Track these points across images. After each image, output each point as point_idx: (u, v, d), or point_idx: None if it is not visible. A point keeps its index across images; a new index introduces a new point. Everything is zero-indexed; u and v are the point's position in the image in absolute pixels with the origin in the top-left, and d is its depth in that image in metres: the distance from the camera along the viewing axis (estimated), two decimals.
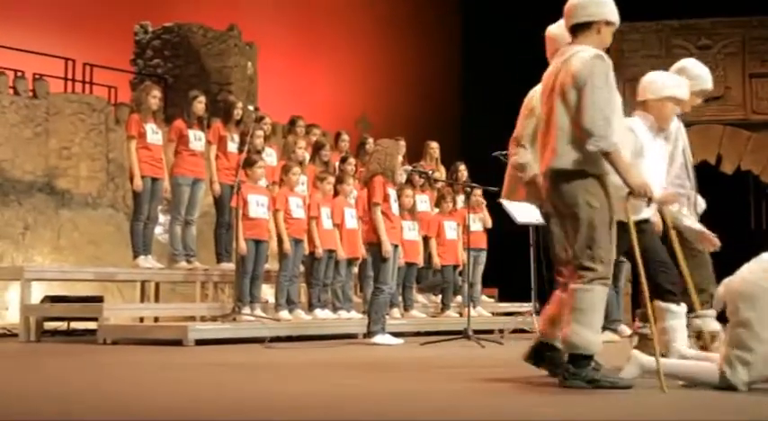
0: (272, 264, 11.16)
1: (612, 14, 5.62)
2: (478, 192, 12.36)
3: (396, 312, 11.63)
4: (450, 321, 11.88)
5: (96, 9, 17.95)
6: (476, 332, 9.94)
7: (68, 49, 16.13)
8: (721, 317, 5.66)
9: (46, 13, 17.30)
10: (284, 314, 10.51)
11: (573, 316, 5.40)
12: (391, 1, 21.66)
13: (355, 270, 11.72)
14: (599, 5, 5.60)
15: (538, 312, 11.61)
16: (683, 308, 6.44)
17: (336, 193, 11.18)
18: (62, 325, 11.00)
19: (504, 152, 11.46)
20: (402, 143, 11.84)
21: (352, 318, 11.09)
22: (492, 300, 14.30)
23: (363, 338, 10.06)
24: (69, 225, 13.91)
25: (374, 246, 9.94)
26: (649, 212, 6.24)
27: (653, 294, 6.07)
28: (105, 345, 9.30)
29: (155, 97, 10.80)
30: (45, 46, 15.56)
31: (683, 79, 6.54)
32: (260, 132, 11.13)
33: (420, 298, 12.77)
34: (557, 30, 6.15)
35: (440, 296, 12.81)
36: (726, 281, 5.40)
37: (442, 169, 13.16)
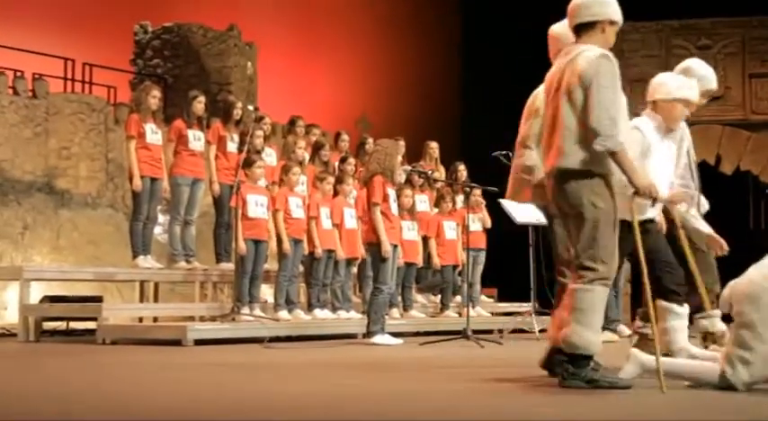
0: (271, 264, 11.15)
1: (616, 14, 5.63)
2: (478, 192, 12.36)
3: (395, 312, 11.63)
4: (449, 321, 11.88)
5: (96, 9, 17.94)
6: (475, 332, 9.93)
7: (68, 48, 16.12)
8: (726, 319, 5.66)
9: (45, 13, 17.29)
10: (283, 314, 10.50)
11: (573, 316, 5.40)
12: (391, 1, 21.66)
13: (354, 270, 11.72)
14: (602, 5, 5.60)
15: (537, 312, 11.65)
16: (685, 309, 6.45)
17: (336, 193, 11.18)
18: (61, 325, 10.99)
19: (504, 152, 11.55)
20: (401, 143, 11.83)
21: (351, 318, 11.09)
22: (491, 300, 14.30)
23: (363, 338, 10.06)
24: (69, 225, 13.91)
25: (373, 246, 9.93)
26: (654, 212, 6.25)
27: (656, 294, 6.07)
28: (104, 345, 9.30)
29: (154, 97, 10.80)
30: (44, 46, 15.56)
31: (694, 81, 6.54)
32: (259, 132, 11.12)
33: (419, 298, 12.77)
34: (560, 29, 6.12)
35: (439, 296, 12.80)
36: (731, 283, 5.42)
37: (442, 169, 13.16)
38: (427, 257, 12.50)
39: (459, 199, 12.82)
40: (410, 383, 5.95)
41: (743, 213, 18.12)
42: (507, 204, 11.62)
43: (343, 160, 11.75)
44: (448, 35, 21.32)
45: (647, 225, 6.16)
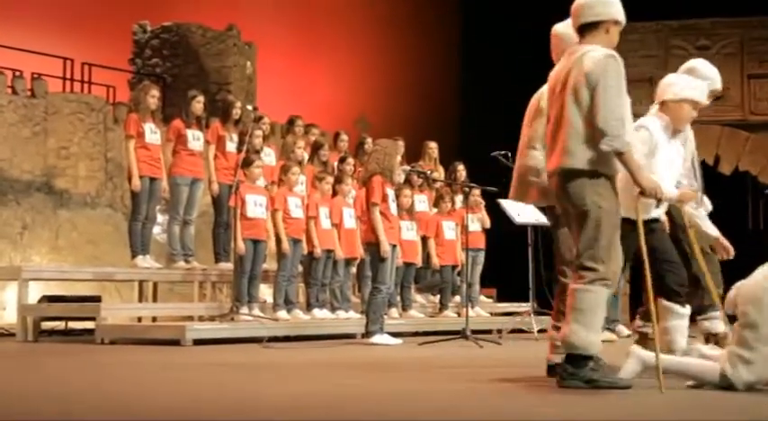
0: (270, 264, 11.15)
1: (620, 14, 5.63)
2: (477, 192, 12.37)
3: (394, 312, 11.63)
4: (448, 321, 11.88)
5: (95, 9, 17.94)
6: (474, 332, 9.93)
7: (67, 48, 16.11)
8: (732, 320, 5.66)
9: (44, 13, 17.30)
10: (282, 314, 10.50)
11: (573, 316, 5.40)
12: (391, 1, 21.66)
13: (353, 270, 11.71)
14: (606, 5, 5.60)
15: (536, 312, 11.65)
16: (687, 309, 6.46)
17: (335, 193, 11.18)
18: (60, 325, 10.98)
19: (504, 152, 11.56)
20: (401, 143, 11.83)
21: (350, 318, 11.09)
22: (490, 300, 14.30)
23: (362, 338, 10.06)
24: (67, 225, 13.91)
25: (372, 245, 9.94)
26: (660, 212, 6.26)
27: (659, 293, 6.07)
28: (103, 345, 9.30)
29: (153, 97, 10.80)
30: (43, 45, 15.55)
31: (703, 83, 6.54)
32: (258, 132, 11.12)
33: (418, 298, 12.77)
34: (563, 29, 6.10)
35: (438, 296, 12.80)
36: (738, 284, 5.44)
37: (441, 169, 13.16)
38: (426, 257, 12.50)
39: (459, 199, 12.83)
40: (410, 383, 5.95)
41: (742, 214, 18.13)
42: (506, 204, 11.64)
43: (342, 160, 11.75)
44: (447, 35, 21.32)
45: (652, 224, 6.18)
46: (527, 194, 6.32)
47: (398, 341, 9.80)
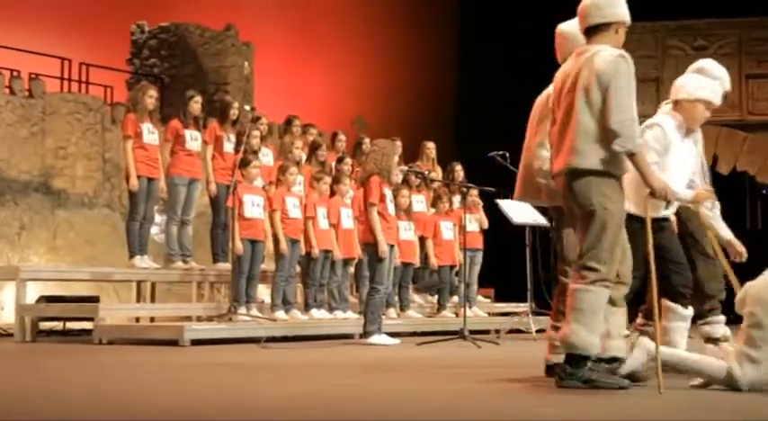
0: (268, 265, 11.15)
1: (627, 15, 5.64)
2: (474, 192, 12.37)
3: (392, 312, 11.63)
4: (446, 321, 11.89)
5: (93, 9, 17.94)
6: (472, 332, 9.93)
7: (65, 48, 16.10)
8: (737, 321, 5.67)
9: (42, 13, 17.29)
10: (280, 314, 10.49)
11: (573, 316, 5.40)
12: (388, 1, 21.67)
13: (351, 270, 11.71)
14: (615, 6, 5.60)
15: (534, 312, 11.67)
16: (689, 311, 6.47)
17: (333, 193, 11.18)
18: (58, 325, 10.97)
19: (501, 152, 11.57)
20: (398, 143, 11.83)
21: (348, 319, 11.09)
22: (488, 300, 14.31)
23: (359, 338, 10.06)
24: (65, 225, 13.90)
25: (370, 246, 9.94)
26: (669, 211, 6.26)
27: (662, 293, 6.08)
28: (101, 345, 9.29)
29: (151, 97, 10.79)
30: (41, 45, 15.54)
31: (717, 84, 6.54)
32: (256, 132, 11.12)
33: (416, 298, 12.76)
34: (569, 28, 6.05)
35: (436, 296, 12.80)
36: (747, 284, 5.46)
37: (439, 169, 13.16)
38: (424, 257, 12.50)
39: (456, 199, 12.83)
40: (408, 383, 5.95)
41: (739, 214, 18.14)
42: (504, 204, 11.64)
43: (339, 160, 11.75)
44: (444, 35, 21.33)
45: (661, 223, 6.18)
46: (533, 194, 6.28)
47: (396, 341, 9.80)
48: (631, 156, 5.38)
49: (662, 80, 16.65)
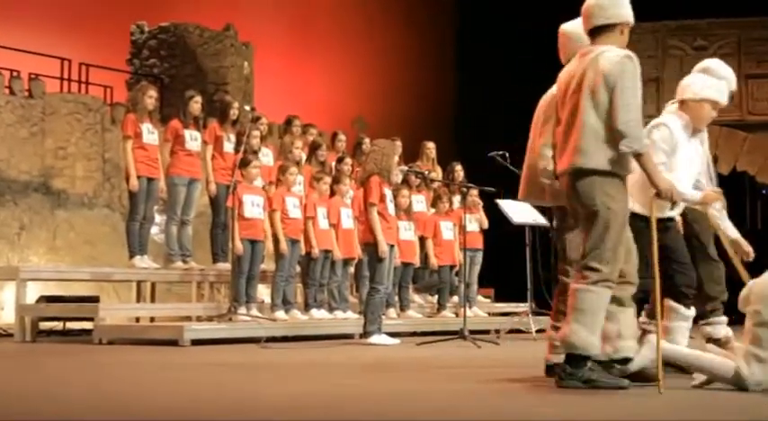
0: (267, 265, 11.15)
1: (631, 15, 5.64)
2: (474, 192, 12.37)
3: (392, 312, 11.63)
4: (446, 321, 11.88)
5: (93, 9, 17.92)
6: (472, 332, 9.93)
7: (64, 48, 16.09)
8: (739, 320, 5.67)
9: (42, 13, 17.27)
10: (280, 314, 10.49)
11: (573, 315, 5.40)
12: (387, 2, 21.66)
13: (351, 270, 11.71)
14: (619, 7, 5.60)
15: (534, 312, 11.67)
16: (691, 312, 6.48)
17: (333, 193, 11.18)
18: (57, 325, 10.97)
19: (501, 152, 11.56)
20: (398, 143, 11.83)
21: (348, 319, 11.09)
22: (488, 300, 14.31)
23: (359, 338, 10.06)
24: (65, 225, 13.89)
25: (370, 246, 9.94)
26: (675, 212, 6.26)
27: (665, 293, 6.08)
28: (101, 345, 9.29)
29: (151, 97, 10.79)
30: (41, 46, 15.53)
31: (723, 83, 6.53)
32: (256, 132, 11.13)
33: (416, 298, 12.76)
34: (572, 28, 6.02)
35: (436, 296, 12.80)
36: (751, 282, 5.46)
37: (439, 169, 13.16)
38: (424, 257, 12.50)
39: (456, 199, 12.83)
40: (409, 383, 5.95)
41: (740, 214, 18.13)
42: (504, 204, 11.65)
43: (339, 160, 11.75)
44: (444, 35, 21.33)
45: (666, 223, 6.18)
46: (537, 195, 6.26)
47: (396, 341, 9.80)
48: (638, 156, 5.38)
49: (662, 80, 16.67)
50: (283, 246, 10.55)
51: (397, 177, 10.74)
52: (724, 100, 6.45)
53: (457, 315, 12.07)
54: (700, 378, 5.51)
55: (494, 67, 18.60)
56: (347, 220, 11.23)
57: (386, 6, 21.45)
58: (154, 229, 11.59)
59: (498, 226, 12.59)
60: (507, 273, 13.28)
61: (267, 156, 11.56)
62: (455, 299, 12.74)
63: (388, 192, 10.01)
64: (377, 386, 5.82)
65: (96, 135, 14.46)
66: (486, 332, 11.79)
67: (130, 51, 17.60)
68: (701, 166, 6.61)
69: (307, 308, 10.90)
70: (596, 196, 5.40)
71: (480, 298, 13.65)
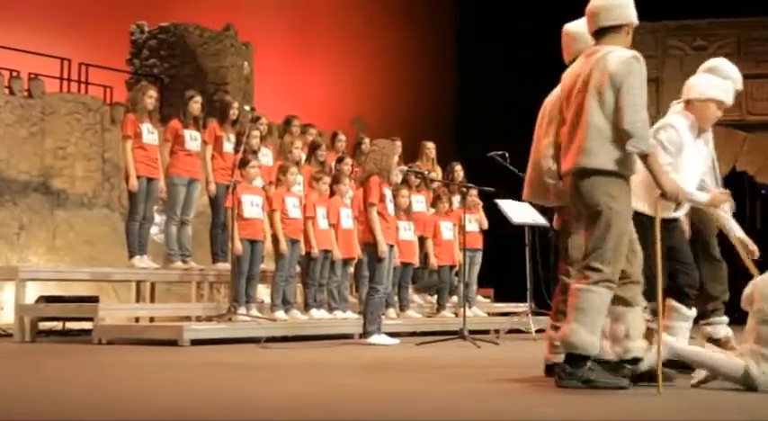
0: (267, 265, 11.15)
1: (636, 16, 5.65)
2: (474, 192, 12.37)
3: (391, 312, 11.63)
4: (445, 321, 11.89)
5: (92, 9, 17.90)
6: (471, 332, 9.93)
7: (64, 48, 16.08)
8: (741, 320, 5.68)
9: (41, 13, 17.26)
10: (280, 314, 10.49)
11: (574, 315, 5.40)
12: (387, 2, 21.66)
13: (351, 270, 11.71)
14: (624, 8, 5.60)
15: (533, 312, 11.67)
16: (693, 312, 6.48)
17: (332, 193, 11.18)
18: (57, 325, 10.97)
19: (501, 152, 11.56)
20: (398, 143, 11.82)
21: (347, 319, 11.09)
22: (488, 300, 14.31)
23: (359, 338, 10.06)
24: (65, 225, 13.88)
25: (370, 246, 9.94)
26: (681, 212, 6.26)
27: (668, 292, 6.08)
28: (101, 345, 9.29)
29: (151, 97, 10.79)
30: (41, 46, 15.52)
31: (729, 83, 6.53)
32: (256, 132, 11.13)
33: (416, 298, 12.76)
34: (576, 28, 6.02)
35: (435, 296, 12.80)
36: (753, 280, 5.47)
37: (439, 169, 13.16)
38: (424, 257, 12.50)
39: (456, 199, 12.83)
40: (409, 383, 5.95)
41: (739, 214, 18.09)
42: (504, 204, 11.65)
43: (339, 160, 11.75)
44: (444, 35, 21.33)
45: (671, 223, 6.18)
46: (541, 195, 6.25)
47: (396, 341, 9.81)
48: (644, 157, 5.38)
49: (662, 80, 16.66)
50: (283, 246, 10.55)
51: (397, 177, 10.74)
52: (730, 100, 6.44)
53: (456, 315, 12.07)
54: (698, 376, 5.51)
55: (494, 67, 18.60)
56: (347, 220, 11.23)
57: (386, 6, 21.45)
58: (153, 229, 11.58)
59: (498, 226, 12.59)
60: (507, 273, 13.29)
61: (267, 156, 11.56)
62: (455, 299, 12.74)
63: (387, 192, 10.02)
64: (377, 386, 5.82)
65: (96, 135, 14.45)
66: (486, 332, 11.80)
67: (130, 51, 17.59)
68: (706, 167, 6.61)
69: (306, 308, 10.90)
70: (599, 196, 5.40)
71: (480, 298, 13.65)
